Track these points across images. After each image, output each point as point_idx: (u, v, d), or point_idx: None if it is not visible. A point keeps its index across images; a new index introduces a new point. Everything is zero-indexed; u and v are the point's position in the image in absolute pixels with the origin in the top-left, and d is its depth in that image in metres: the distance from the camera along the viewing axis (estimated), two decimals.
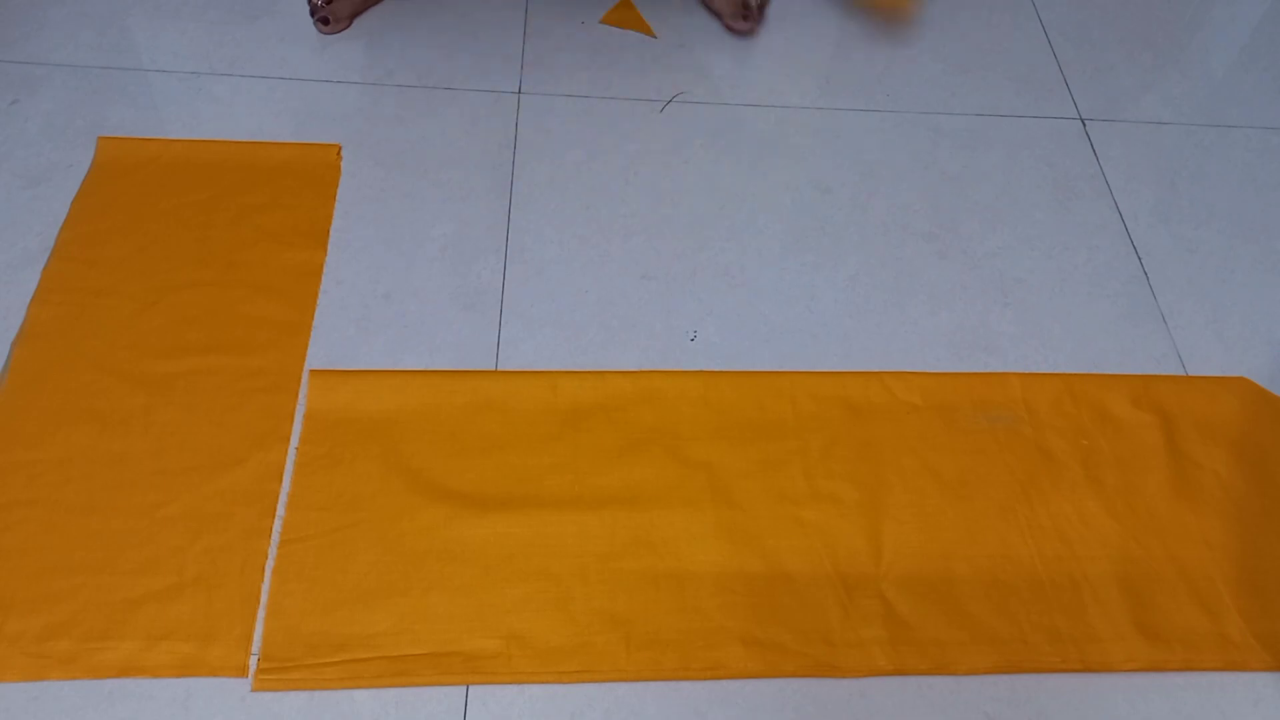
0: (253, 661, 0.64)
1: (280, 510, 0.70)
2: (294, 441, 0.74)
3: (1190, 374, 0.85)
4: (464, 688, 0.64)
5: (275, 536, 0.69)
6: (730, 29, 1.09)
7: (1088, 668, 0.68)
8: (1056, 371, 0.84)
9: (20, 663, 0.63)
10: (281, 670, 0.63)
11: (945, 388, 0.81)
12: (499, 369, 0.80)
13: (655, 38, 1.08)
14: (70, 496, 0.69)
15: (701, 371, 0.81)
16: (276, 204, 0.89)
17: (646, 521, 0.72)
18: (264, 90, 0.99)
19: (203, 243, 0.85)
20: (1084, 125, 1.07)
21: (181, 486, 0.71)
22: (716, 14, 1.10)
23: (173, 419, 0.74)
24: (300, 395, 0.76)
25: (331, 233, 0.87)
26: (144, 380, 0.76)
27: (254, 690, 0.63)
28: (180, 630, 0.64)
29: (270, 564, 0.68)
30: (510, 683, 0.65)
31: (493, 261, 0.88)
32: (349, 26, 1.06)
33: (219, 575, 0.67)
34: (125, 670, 0.63)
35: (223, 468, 0.72)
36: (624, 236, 0.91)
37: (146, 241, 0.84)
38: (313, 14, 1.05)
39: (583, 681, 0.65)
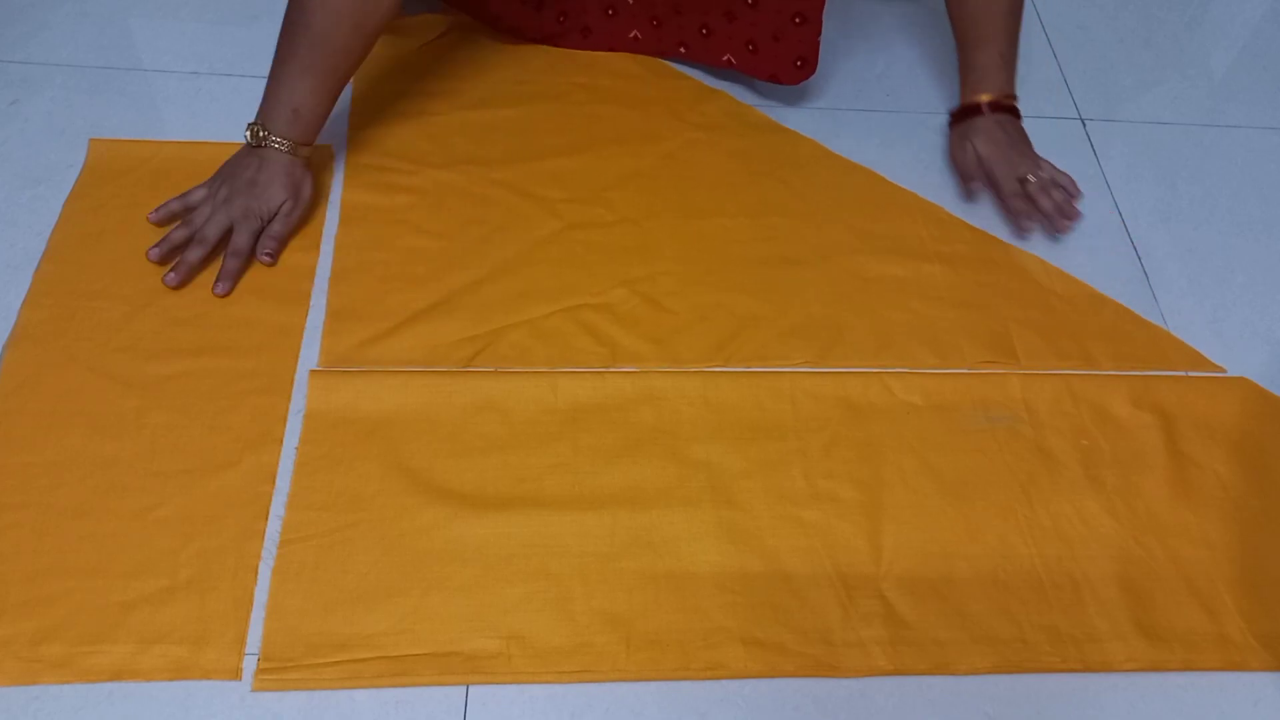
0: (247, 663, 0.63)
1: (273, 512, 0.70)
2: (287, 443, 0.73)
3: (1190, 374, 0.85)
4: (464, 688, 0.64)
5: (268, 539, 0.69)
6: None
7: (1088, 668, 0.68)
8: (1056, 372, 0.84)
9: (12, 666, 0.62)
10: (281, 670, 0.63)
11: (945, 388, 0.81)
12: (499, 369, 0.80)
13: None
14: (62, 499, 0.69)
15: (701, 371, 0.80)
16: None
17: (646, 521, 0.72)
18: (263, 90, 0.98)
19: None
20: (1084, 125, 1.07)
21: (174, 489, 0.70)
22: None
23: (165, 421, 0.73)
24: (293, 397, 0.76)
25: (324, 234, 0.87)
26: (136, 382, 0.75)
27: (254, 690, 0.63)
28: (173, 633, 0.64)
29: (264, 566, 0.67)
30: (510, 683, 0.64)
31: None
32: None
33: (212, 578, 0.66)
34: (118, 674, 0.62)
35: (215, 470, 0.71)
36: None
37: (138, 244, 0.83)
38: None
39: (583, 681, 0.65)
